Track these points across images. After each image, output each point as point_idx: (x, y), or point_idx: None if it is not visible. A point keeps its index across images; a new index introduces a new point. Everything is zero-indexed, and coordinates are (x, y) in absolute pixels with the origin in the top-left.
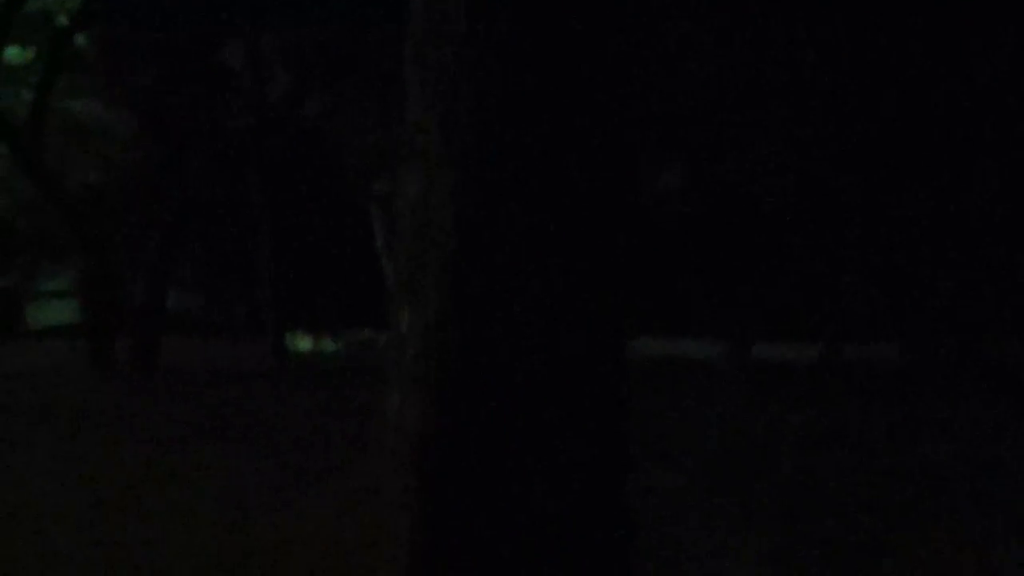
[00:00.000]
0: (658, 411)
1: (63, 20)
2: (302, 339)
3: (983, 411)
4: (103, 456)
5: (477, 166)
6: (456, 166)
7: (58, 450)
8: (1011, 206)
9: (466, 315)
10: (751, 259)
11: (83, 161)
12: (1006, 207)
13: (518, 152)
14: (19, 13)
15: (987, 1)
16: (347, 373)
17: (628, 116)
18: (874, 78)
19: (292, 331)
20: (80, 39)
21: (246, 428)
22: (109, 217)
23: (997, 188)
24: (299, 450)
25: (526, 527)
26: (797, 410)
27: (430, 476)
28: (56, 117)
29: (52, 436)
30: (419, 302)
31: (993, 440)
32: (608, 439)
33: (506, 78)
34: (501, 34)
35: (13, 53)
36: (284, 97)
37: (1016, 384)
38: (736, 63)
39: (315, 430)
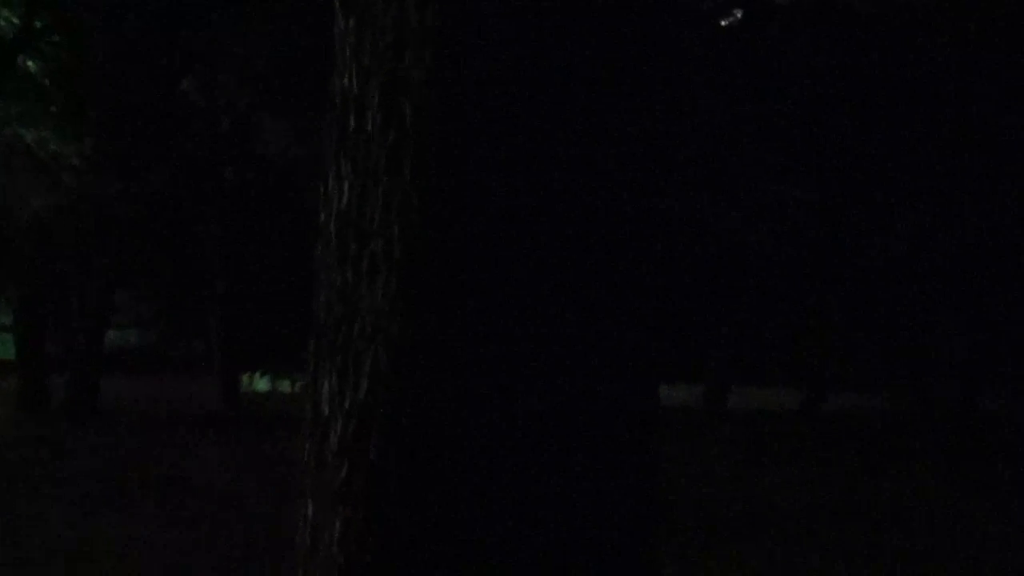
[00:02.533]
0: None
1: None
2: (259, 380)
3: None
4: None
5: (438, 160)
6: (405, 161)
7: None
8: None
9: (419, 388)
10: (729, 301)
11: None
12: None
13: (503, 139)
14: None
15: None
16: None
17: (659, 102)
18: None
19: (250, 371)
20: (32, 65)
21: (167, 491)
22: (52, 248)
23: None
24: (219, 526)
25: None
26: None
27: None
28: (3, 144)
29: None
30: (347, 366)
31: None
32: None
33: (495, 27)
34: None
35: None
36: (238, 124)
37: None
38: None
39: (245, 494)
